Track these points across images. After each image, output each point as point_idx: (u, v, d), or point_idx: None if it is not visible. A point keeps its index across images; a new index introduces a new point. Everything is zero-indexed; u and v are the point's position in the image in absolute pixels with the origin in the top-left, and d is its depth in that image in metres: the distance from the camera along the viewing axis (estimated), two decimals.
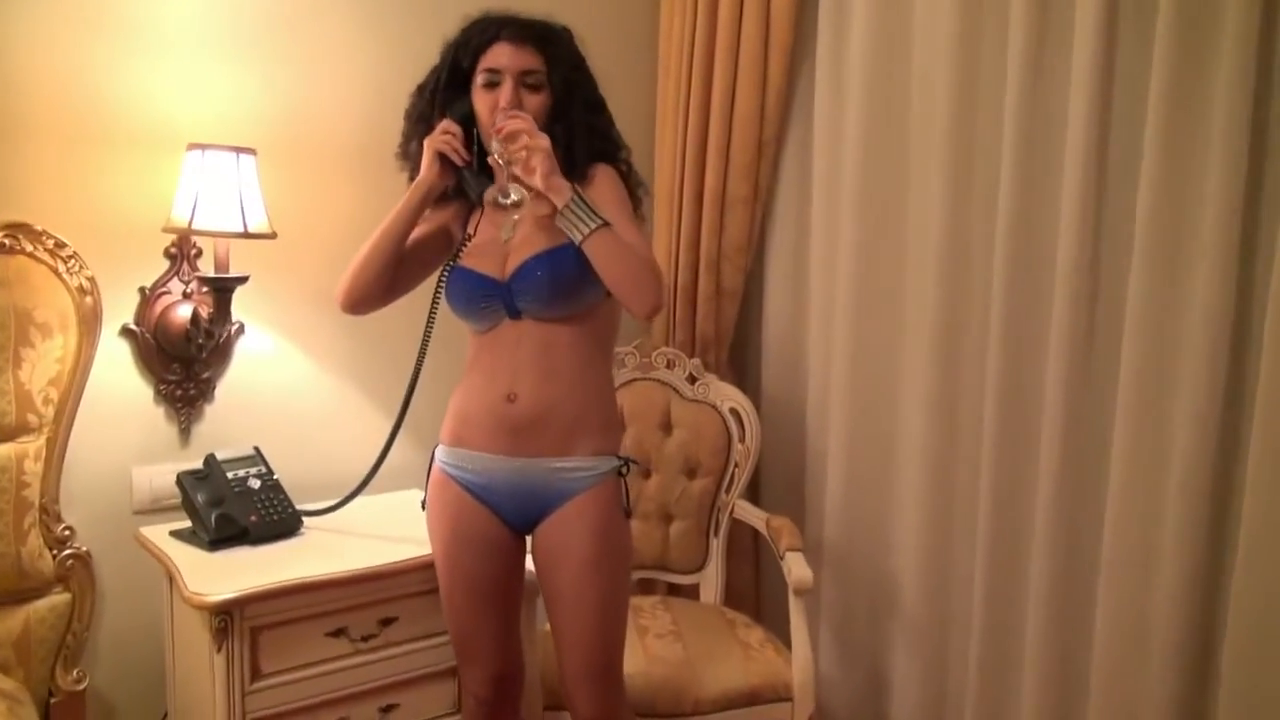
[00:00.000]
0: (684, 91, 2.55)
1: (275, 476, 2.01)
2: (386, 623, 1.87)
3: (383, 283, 1.71)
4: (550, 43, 1.68)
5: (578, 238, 1.56)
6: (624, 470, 1.72)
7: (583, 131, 1.68)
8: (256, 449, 2.04)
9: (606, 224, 1.56)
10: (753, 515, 2.45)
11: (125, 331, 2.03)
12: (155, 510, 2.06)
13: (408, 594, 1.88)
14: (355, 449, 2.17)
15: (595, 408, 1.72)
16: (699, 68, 2.51)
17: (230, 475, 1.95)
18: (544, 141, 1.56)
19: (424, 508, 1.79)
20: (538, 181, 1.55)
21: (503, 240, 1.69)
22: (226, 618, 1.69)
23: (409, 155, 1.75)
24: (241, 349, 2.16)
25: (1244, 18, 1.73)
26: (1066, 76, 1.99)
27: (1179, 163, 1.84)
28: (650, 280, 1.57)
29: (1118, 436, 1.96)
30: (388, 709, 1.89)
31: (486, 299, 1.68)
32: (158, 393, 2.07)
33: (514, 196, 1.57)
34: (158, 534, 1.95)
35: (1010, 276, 2.11)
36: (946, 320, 2.24)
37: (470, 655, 1.78)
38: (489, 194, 1.59)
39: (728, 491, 2.48)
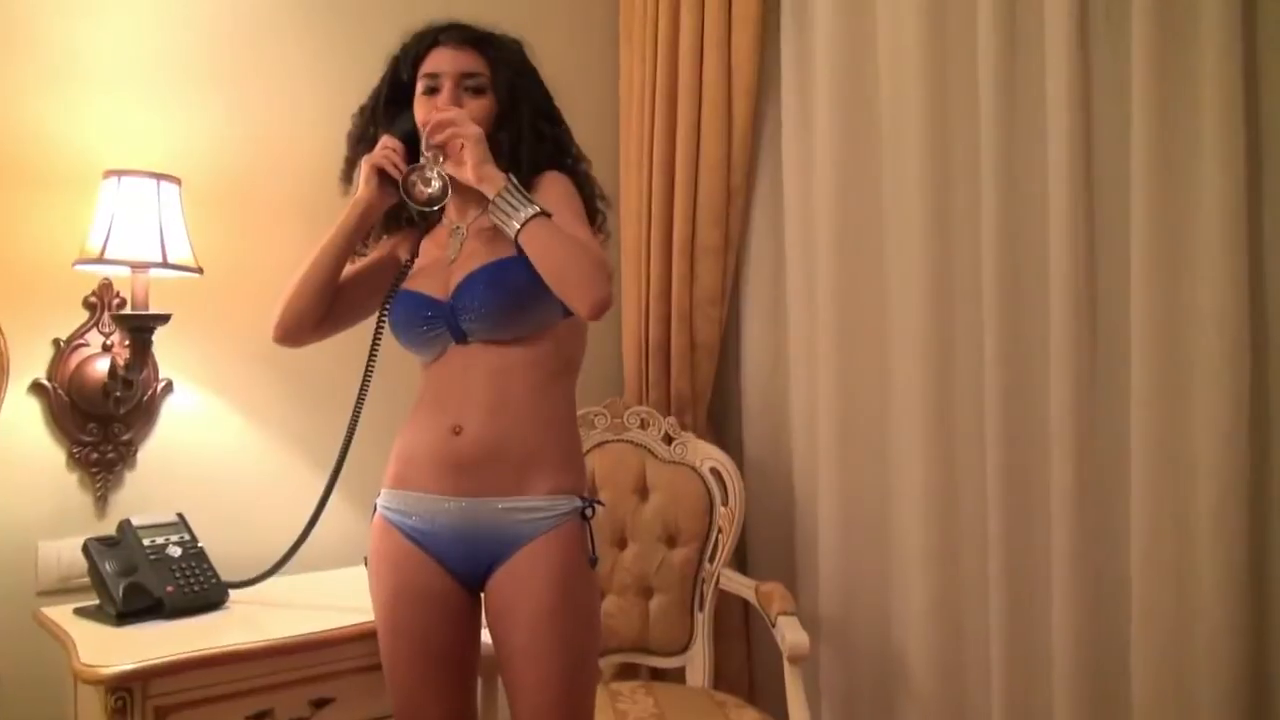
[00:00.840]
0: (647, 140, 2.48)
1: (199, 545, 1.81)
2: (321, 704, 1.67)
3: (318, 309, 1.57)
4: (493, 46, 1.58)
5: (513, 229, 1.42)
6: (588, 512, 1.52)
7: (531, 137, 1.56)
8: (180, 515, 1.84)
9: (545, 213, 1.42)
10: (740, 585, 2.25)
11: (36, 387, 1.85)
12: (65, 590, 1.83)
13: (346, 669, 1.68)
14: (295, 520, 1.94)
15: (553, 441, 1.53)
16: (661, 115, 2.44)
17: (147, 542, 1.75)
18: (474, 129, 1.45)
19: (367, 564, 1.58)
20: (469, 173, 1.43)
21: (449, 260, 1.55)
22: (125, 695, 1.47)
23: (352, 180, 1.63)
24: (169, 408, 1.98)
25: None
26: (1041, 90, 1.93)
27: (1171, 161, 1.75)
28: (595, 270, 1.41)
29: (1135, 467, 1.81)
30: None
31: (428, 322, 1.53)
32: (71, 456, 1.87)
33: (436, 183, 1.43)
34: (60, 613, 1.72)
35: (1001, 307, 2.00)
36: (938, 362, 2.11)
37: None
38: (407, 178, 1.44)
39: (712, 560, 2.28)
